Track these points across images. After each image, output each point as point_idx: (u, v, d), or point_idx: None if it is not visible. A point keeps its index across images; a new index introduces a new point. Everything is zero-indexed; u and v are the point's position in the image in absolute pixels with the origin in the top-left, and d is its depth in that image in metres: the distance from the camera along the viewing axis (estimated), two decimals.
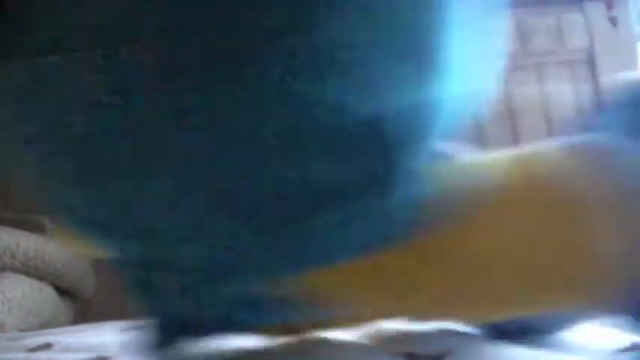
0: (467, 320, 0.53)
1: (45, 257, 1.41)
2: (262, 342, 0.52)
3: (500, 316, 0.50)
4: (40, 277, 1.41)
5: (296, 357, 0.49)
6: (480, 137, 2.27)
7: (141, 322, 0.51)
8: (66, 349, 0.72)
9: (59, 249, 1.49)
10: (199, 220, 0.45)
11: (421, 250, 0.43)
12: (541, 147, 0.52)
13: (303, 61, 0.39)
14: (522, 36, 2.28)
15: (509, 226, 0.45)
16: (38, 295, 1.34)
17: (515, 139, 2.21)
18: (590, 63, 2.28)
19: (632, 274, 0.44)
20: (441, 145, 0.46)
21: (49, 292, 1.43)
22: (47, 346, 0.74)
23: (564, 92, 2.27)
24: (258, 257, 0.45)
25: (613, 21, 2.24)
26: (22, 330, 1.17)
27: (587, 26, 2.28)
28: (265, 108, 0.40)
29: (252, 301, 0.47)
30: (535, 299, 0.46)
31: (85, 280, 1.62)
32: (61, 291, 1.53)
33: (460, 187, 0.45)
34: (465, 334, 0.55)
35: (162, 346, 0.52)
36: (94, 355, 0.64)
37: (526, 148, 0.52)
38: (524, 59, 2.27)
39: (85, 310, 1.88)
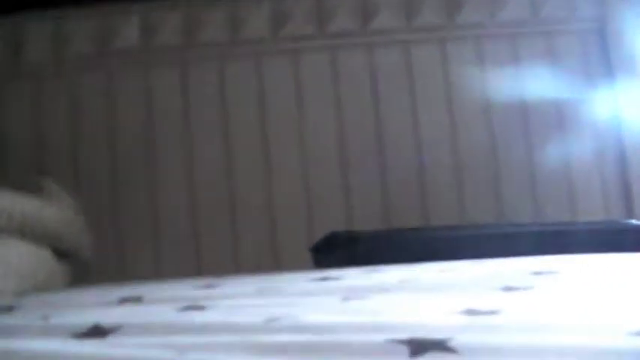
0: None
1: (42, 220, 1.39)
2: None
3: None
4: (37, 240, 1.39)
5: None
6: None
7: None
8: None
9: (57, 212, 1.47)
10: None
11: None
12: None
13: None
14: (533, 3, 2.23)
15: None
16: (34, 259, 1.33)
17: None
18: (602, 33, 2.23)
19: None
20: None
21: (45, 255, 1.42)
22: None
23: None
24: None
25: None
26: (17, 294, 1.16)
27: None
28: None
29: None
30: None
31: (82, 243, 1.61)
32: (59, 253, 1.51)
33: None
34: (466, 318, 0.54)
35: None
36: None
37: None
38: (534, 27, 2.23)
39: (83, 271, 1.87)
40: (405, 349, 0.43)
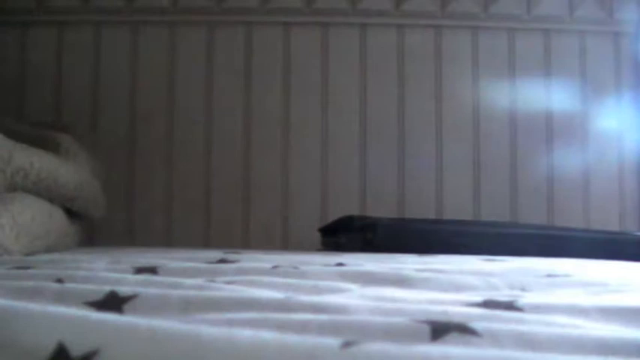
0: None
1: (58, 179, 1.37)
2: None
3: None
4: (51, 199, 1.37)
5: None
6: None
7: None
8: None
9: (73, 172, 1.45)
10: None
11: None
12: None
13: None
14: (571, 1, 2.19)
15: None
16: (47, 219, 1.31)
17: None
18: (636, 38, 2.19)
19: None
20: None
21: (59, 215, 1.40)
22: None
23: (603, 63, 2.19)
24: None
25: None
26: (27, 254, 1.15)
27: None
28: None
29: None
30: None
31: (96, 204, 1.59)
32: (71, 213, 1.50)
33: None
34: (485, 310, 0.53)
35: None
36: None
37: None
38: (569, 25, 2.19)
39: (91, 232, 1.86)
40: (426, 329, 0.43)
